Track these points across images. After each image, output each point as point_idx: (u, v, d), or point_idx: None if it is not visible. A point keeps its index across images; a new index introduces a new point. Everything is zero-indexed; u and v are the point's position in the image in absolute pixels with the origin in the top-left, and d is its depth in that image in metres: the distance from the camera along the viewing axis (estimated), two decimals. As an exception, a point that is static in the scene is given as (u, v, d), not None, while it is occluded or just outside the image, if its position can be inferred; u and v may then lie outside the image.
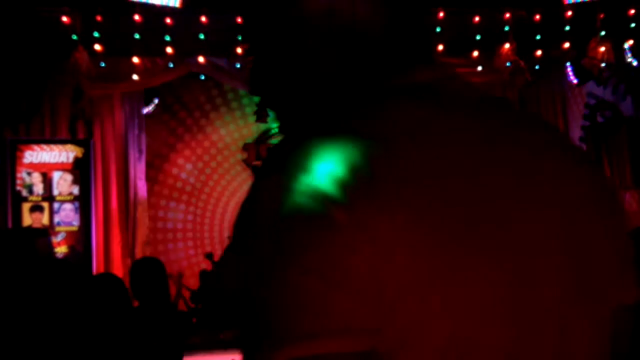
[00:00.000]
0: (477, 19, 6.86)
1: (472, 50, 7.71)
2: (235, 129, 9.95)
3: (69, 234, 7.59)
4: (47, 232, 5.25)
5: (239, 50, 7.40)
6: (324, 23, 0.91)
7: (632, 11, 6.54)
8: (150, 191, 8.81)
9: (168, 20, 6.64)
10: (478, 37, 7.39)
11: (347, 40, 0.91)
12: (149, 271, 4.29)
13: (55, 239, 7.34)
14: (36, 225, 7.38)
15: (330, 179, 0.72)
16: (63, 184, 7.62)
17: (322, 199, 0.71)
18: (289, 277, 0.71)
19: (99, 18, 6.55)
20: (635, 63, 6.69)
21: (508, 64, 7.18)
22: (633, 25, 6.78)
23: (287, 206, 0.73)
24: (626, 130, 7.10)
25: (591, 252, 0.86)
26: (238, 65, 7.66)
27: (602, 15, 6.77)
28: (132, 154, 8.03)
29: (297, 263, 0.70)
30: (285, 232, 0.72)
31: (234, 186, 9.97)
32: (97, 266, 7.60)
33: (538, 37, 7.38)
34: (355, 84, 0.91)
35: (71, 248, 7.52)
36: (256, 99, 8.04)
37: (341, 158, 0.74)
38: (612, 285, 0.89)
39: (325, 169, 0.73)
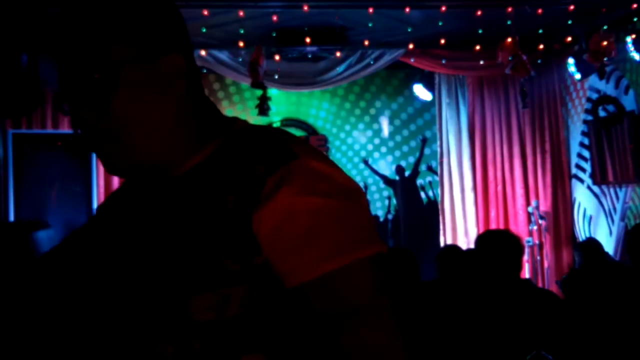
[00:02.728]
0: (479, 12, 6.85)
1: (474, 44, 7.69)
2: (237, 123, 9.95)
3: (71, 227, 7.61)
4: (48, 224, 5.25)
5: (240, 43, 7.40)
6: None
7: (635, 5, 6.52)
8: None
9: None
10: (480, 31, 7.38)
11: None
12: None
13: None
14: (38, 218, 7.39)
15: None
16: (65, 177, 7.63)
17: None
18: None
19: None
20: (637, 57, 6.67)
21: (510, 57, 7.17)
22: (636, 19, 6.76)
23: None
24: (628, 124, 7.08)
25: None
26: (240, 59, 7.66)
27: (604, 9, 6.76)
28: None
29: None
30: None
31: (236, 179, 9.96)
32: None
33: (540, 31, 7.37)
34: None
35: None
36: (258, 92, 8.03)
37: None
38: None
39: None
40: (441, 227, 8.80)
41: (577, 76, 7.54)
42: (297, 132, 10.05)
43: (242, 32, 7.14)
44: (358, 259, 1.13)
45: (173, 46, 1.23)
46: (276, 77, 7.93)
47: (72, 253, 1.41)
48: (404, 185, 9.81)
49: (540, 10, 6.69)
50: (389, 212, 9.94)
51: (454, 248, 5.26)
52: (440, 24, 7.13)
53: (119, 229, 1.34)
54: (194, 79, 1.27)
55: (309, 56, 7.76)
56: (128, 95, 1.17)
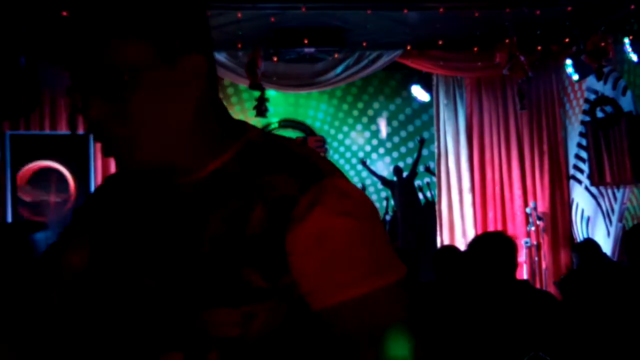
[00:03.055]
0: (477, 14, 6.85)
1: (472, 46, 7.69)
2: (235, 124, 9.95)
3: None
4: (46, 225, 5.24)
5: (238, 45, 7.40)
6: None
7: (633, 7, 6.53)
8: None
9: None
10: (478, 33, 7.38)
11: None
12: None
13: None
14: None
15: None
16: (63, 178, 7.63)
17: None
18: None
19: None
20: (635, 58, 6.67)
21: (508, 59, 7.17)
22: (634, 20, 6.76)
23: None
24: (626, 125, 7.08)
25: None
26: (238, 61, 7.66)
27: (602, 11, 6.76)
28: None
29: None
30: None
31: (234, 181, 9.95)
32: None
33: (538, 32, 7.37)
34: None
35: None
36: (256, 93, 8.03)
37: None
38: None
39: None
40: (438, 228, 8.79)
41: (575, 77, 7.55)
42: (295, 134, 10.05)
43: (240, 33, 7.14)
44: (390, 282, 1.16)
45: (194, 46, 1.19)
46: (274, 78, 7.93)
47: (75, 251, 1.37)
48: (402, 187, 9.81)
49: (538, 12, 6.69)
50: (387, 213, 9.94)
51: (451, 248, 5.26)
52: (438, 25, 7.13)
53: (131, 230, 1.29)
54: (212, 81, 1.25)
55: (307, 57, 7.76)
56: (146, 96, 1.13)
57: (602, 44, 6.74)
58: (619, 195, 7.43)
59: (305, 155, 1.23)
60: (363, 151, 10.22)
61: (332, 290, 1.13)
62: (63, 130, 7.75)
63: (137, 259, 1.24)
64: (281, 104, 9.68)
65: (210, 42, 1.24)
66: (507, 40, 7.11)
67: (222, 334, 1.14)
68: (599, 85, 7.57)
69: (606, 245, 7.29)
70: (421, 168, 9.86)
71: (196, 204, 1.21)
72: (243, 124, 1.31)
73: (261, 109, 7.86)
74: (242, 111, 9.80)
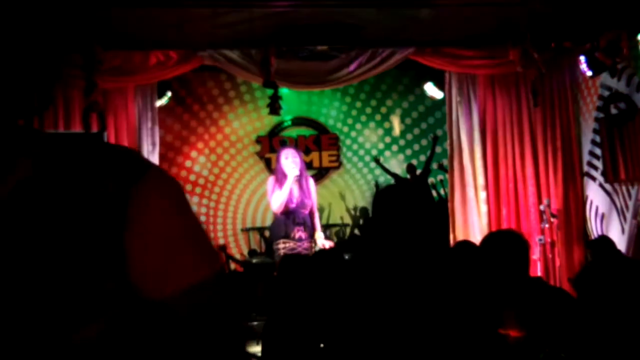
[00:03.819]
0: (490, 11, 6.83)
1: (485, 43, 7.68)
2: (248, 122, 9.99)
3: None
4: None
5: (251, 42, 7.42)
6: None
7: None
8: (163, 184, 8.82)
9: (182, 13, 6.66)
10: (491, 29, 7.36)
11: None
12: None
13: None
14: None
15: None
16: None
17: None
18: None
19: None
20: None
21: (521, 55, 7.16)
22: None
23: None
24: (640, 121, 7.07)
25: None
26: (251, 58, 7.67)
27: (616, 7, 6.73)
28: (145, 147, 8.05)
29: None
30: None
31: (247, 179, 10.01)
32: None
33: (552, 28, 7.35)
34: None
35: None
36: (269, 91, 8.03)
37: None
38: None
39: None
40: (450, 225, 8.76)
41: (589, 74, 7.52)
42: (308, 131, 10.07)
43: (252, 31, 7.15)
44: (218, 269, 1.20)
45: None
46: (287, 76, 7.93)
47: None
48: (416, 184, 9.80)
49: (551, 8, 6.68)
50: (400, 210, 9.93)
51: (466, 244, 5.26)
52: (451, 22, 7.12)
53: None
54: None
55: (320, 55, 7.76)
56: None
57: (616, 40, 6.72)
58: (633, 192, 7.40)
59: (118, 149, 1.17)
60: (376, 149, 10.23)
61: (174, 278, 1.12)
62: (77, 129, 7.78)
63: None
64: (294, 101, 9.70)
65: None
66: (520, 37, 7.09)
67: (77, 346, 1.05)
68: (613, 82, 7.55)
69: (621, 242, 7.27)
70: (434, 165, 9.85)
71: (5, 223, 1.05)
72: (33, 129, 1.21)
73: (275, 106, 7.87)
74: (255, 109, 9.84)
